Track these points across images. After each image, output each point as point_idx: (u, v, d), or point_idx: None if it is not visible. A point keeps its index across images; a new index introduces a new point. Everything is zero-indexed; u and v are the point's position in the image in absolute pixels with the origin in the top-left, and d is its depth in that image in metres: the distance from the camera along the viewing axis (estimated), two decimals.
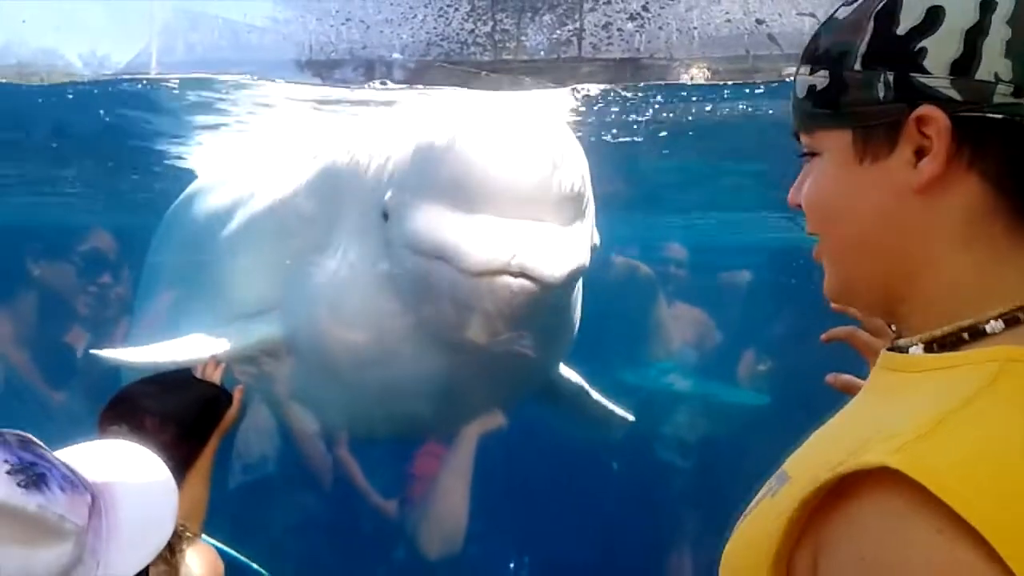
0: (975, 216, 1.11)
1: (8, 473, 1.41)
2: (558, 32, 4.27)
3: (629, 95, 5.26)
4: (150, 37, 5.73)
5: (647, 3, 4.01)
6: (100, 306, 5.05)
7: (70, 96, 6.04)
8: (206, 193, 4.98)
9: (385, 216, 3.35)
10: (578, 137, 6.32)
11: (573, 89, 5.05)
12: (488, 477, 4.04)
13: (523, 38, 4.28)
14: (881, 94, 1.10)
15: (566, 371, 4.59)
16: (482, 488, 3.94)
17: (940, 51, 1.07)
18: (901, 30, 1.09)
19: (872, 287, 1.21)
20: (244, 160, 5.24)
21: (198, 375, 2.86)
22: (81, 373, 4.93)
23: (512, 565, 6.81)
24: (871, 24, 1.11)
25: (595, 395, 4.75)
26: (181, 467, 2.32)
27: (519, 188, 3.06)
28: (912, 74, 1.09)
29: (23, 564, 1.40)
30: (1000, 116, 1.06)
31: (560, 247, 3.11)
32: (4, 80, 5.92)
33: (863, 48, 1.12)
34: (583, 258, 3.24)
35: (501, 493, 4.65)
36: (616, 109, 5.96)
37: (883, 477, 0.94)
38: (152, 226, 5.27)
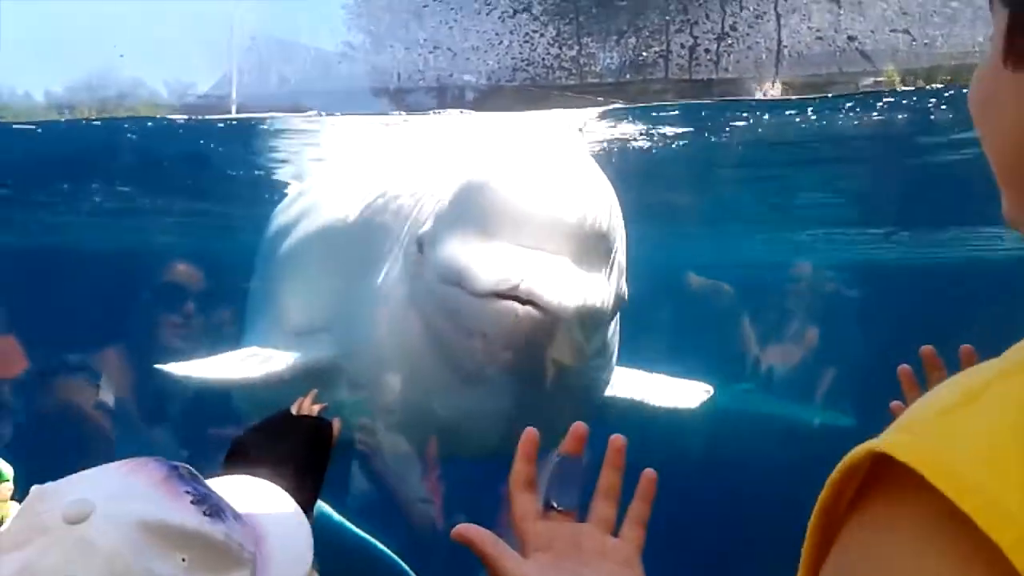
0: None
1: (192, 503, 1.44)
2: (644, 54, 4.28)
3: (709, 112, 5.25)
4: (231, 67, 5.90)
5: (735, 23, 3.98)
6: (205, 328, 5.19)
7: (181, 131, 6.29)
8: (284, 218, 5.12)
9: (420, 248, 3.45)
10: (650, 152, 6.28)
11: (646, 107, 5.07)
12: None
13: (608, 61, 4.29)
14: None
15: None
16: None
17: None
18: None
19: (1018, 222, 0.98)
20: (322, 185, 5.37)
21: (295, 411, 2.93)
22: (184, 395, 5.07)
23: None
24: None
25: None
26: (308, 503, 2.36)
27: (536, 219, 3.16)
28: None
29: None
30: None
31: (571, 280, 3.17)
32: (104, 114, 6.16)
33: None
34: (598, 295, 3.27)
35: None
36: (692, 127, 5.95)
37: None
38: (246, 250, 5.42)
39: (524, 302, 3.13)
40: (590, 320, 3.35)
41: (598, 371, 4.00)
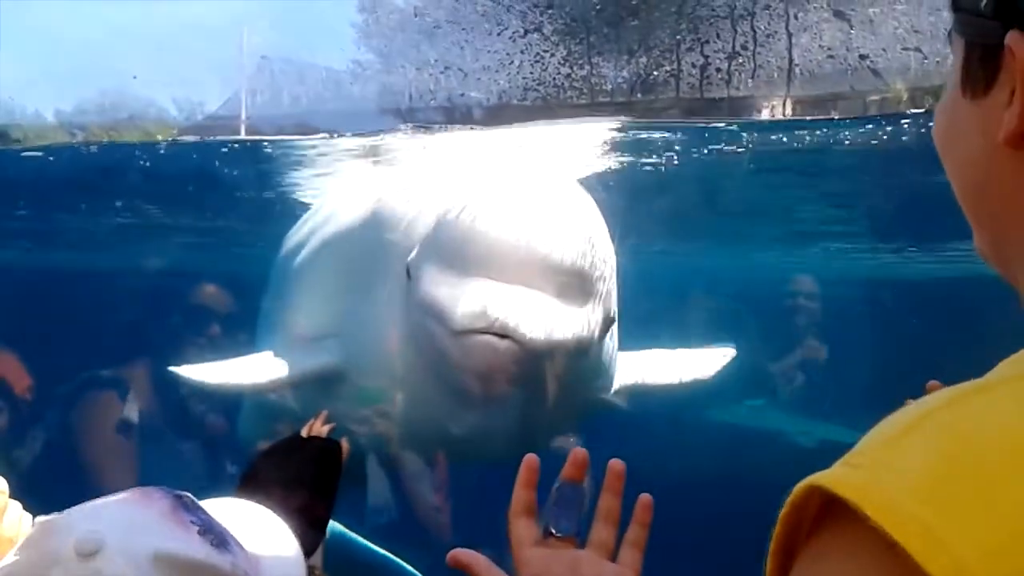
0: None
1: (199, 533, 1.44)
2: (655, 73, 4.30)
3: (721, 128, 5.28)
4: (241, 87, 5.95)
5: (745, 42, 4.00)
6: (216, 344, 5.22)
7: (192, 153, 6.34)
8: (299, 236, 5.18)
9: (408, 274, 3.50)
10: (659, 169, 6.29)
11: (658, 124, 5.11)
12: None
13: (619, 80, 4.32)
14: (982, 1, 0.85)
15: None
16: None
17: None
18: None
19: (986, 254, 0.97)
20: (335, 202, 5.42)
21: (305, 433, 2.96)
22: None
23: None
24: None
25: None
26: (321, 525, 2.38)
27: (511, 254, 3.19)
28: None
29: None
30: None
31: (548, 313, 3.20)
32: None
33: None
34: (577, 325, 3.29)
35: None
36: (705, 144, 5.97)
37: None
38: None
39: (502, 337, 3.16)
40: (572, 349, 3.36)
41: (592, 392, 4.03)
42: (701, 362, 4.85)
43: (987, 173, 0.91)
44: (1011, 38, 0.83)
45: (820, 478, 0.75)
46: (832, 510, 0.75)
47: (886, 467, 0.74)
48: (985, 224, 0.96)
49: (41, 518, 1.50)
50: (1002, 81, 0.86)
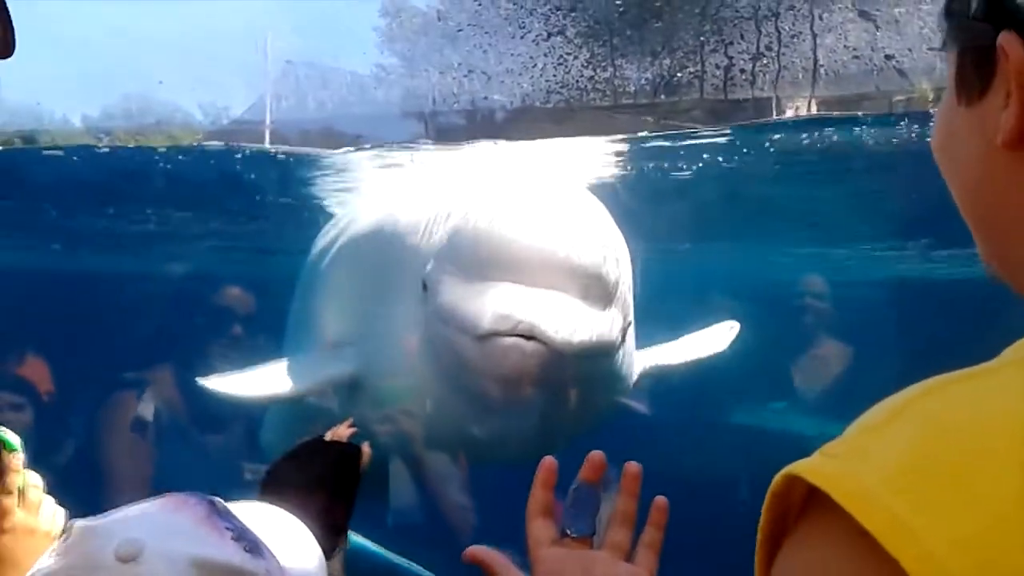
0: None
1: (233, 539, 1.43)
2: (679, 75, 4.30)
3: (743, 131, 5.26)
4: (265, 91, 6.00)
5: (770, 43, 3.99)
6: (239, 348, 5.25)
7: (211, 160, 6.40)
8: (324, 243, 5.20)
9: (424, 287, 3.51)
10: (685, 172, 6.27)
11: (683, 128, 5.09)
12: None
13: (643, 82, 4.31)
14: (973, 5, 0.88)
15: None
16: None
17: None
18: None
19: (990, 261, 0.98)
20: (360, 212, 5.45)
21: (328, 437, 2.97)
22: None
23: None
24: None
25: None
26: (339, 530, 2.38)
27: (530, 257, 3.19)
28: None
29: None
30: None
31: (571, 315, 3.19)
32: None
33: None
34: (600, 326, 3.30)
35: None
36: (730, 146, 5.95)
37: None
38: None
39: (528, 338, 3.15)
40: (596, 349, 3.36)
41: (611, 394, 4.03)
42: (709, 340, 4.88)
43: (983, 177, 0.92)
44: (1003, 39, 0.83)
45: (797, 467, 0.75)
46: (813, 498, 0.76)
47: (862, 456, 0.74)
48: (986, 231, 0.96)
49: (78, 521, 1.52)
50: (997, 84, 0.87)
